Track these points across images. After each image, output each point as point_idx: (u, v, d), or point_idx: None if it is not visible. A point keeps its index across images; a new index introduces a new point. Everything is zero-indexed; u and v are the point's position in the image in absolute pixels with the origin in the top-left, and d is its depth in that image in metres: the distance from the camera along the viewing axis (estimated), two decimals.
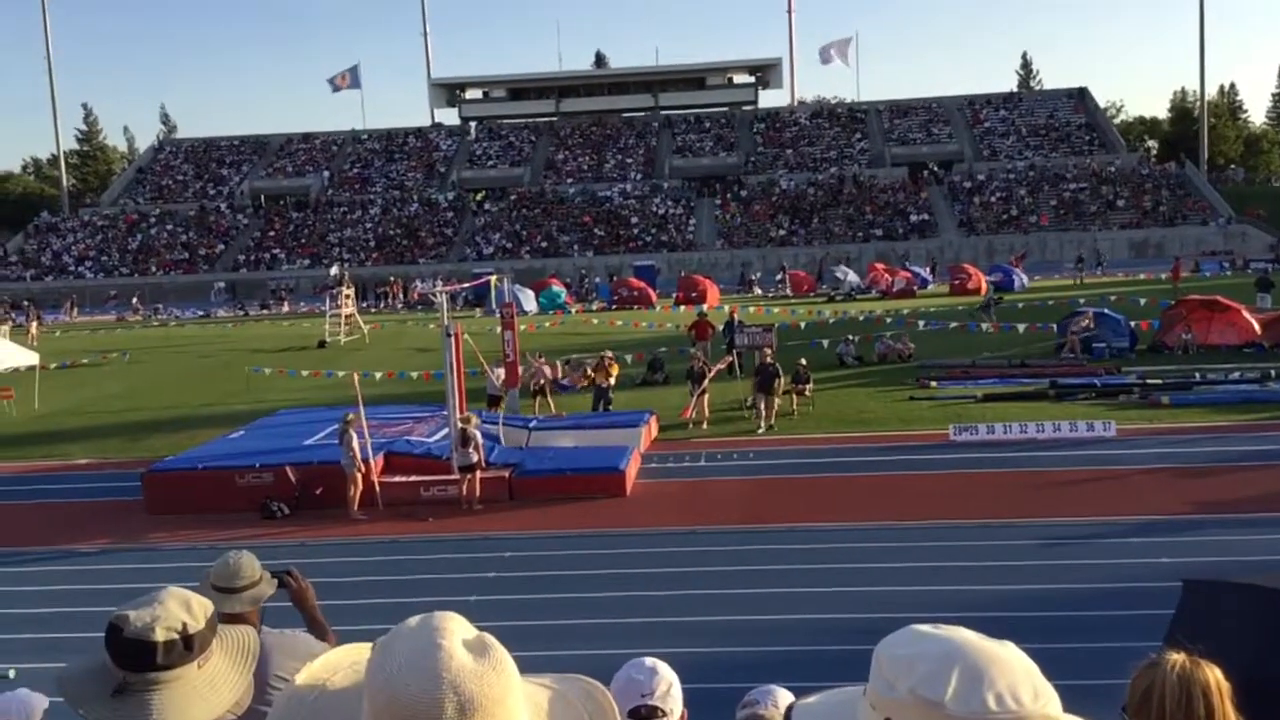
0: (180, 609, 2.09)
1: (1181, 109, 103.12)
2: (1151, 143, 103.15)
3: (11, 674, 7.02)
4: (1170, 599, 6.51)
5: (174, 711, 2.03)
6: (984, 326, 34.27)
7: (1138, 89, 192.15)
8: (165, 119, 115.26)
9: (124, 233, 78.76)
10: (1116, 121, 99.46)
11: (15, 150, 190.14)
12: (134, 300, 64.12)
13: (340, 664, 1.64)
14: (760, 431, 21.18)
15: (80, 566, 15.18)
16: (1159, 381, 23.92)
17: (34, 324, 48.57)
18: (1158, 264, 56.01)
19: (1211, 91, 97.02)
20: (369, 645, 1.58)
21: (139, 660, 2.03)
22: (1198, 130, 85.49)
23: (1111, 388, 23.71)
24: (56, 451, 23.10)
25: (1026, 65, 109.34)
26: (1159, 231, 68.10)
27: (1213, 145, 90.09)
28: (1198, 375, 24.68)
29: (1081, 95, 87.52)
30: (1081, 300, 37.77)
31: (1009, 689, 1.44)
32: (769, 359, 22.07)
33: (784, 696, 3.66)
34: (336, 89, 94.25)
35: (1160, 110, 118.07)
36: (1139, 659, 2.10)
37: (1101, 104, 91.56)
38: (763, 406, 21.50)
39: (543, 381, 24.50)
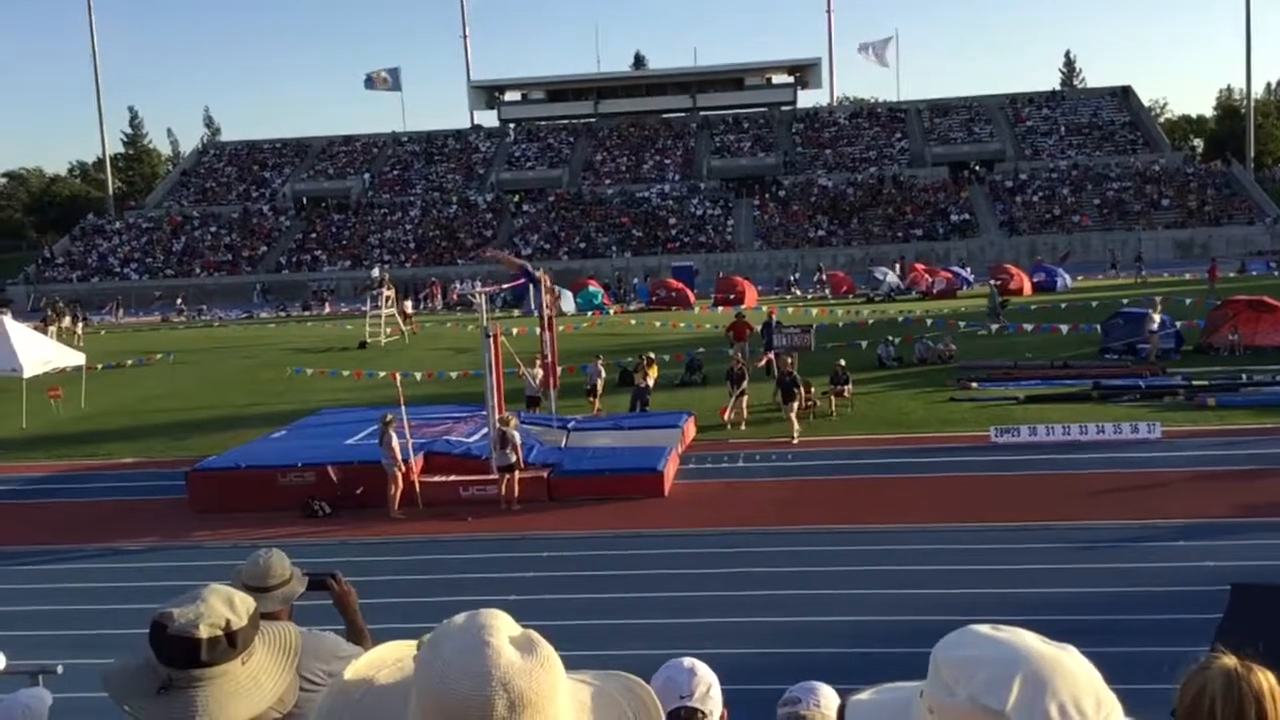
0: (223, 606, 2.10)
1: (1227, 107, 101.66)
2: (1197, 141, 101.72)
3: (59, 669, 7.10)
4: (1216, 603, 6.42)
5: (218, 708, 2.04)
6: (992, 328, 34.07)
7: (1183, 87, 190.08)
8: (209, 122, 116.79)
9: (168, 235, 79.69)
10: (1161, 120, 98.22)
11: (62, 154, 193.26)
12: (178, 301, 64.88)
13: (385, 661, 1.64)
14: (795, 441, 20.82)
15: (125, 564, 15.39)
16: (1205, 383, 23.58)
17: (79, 325, 49.29)
18: (1203, 264, 55.27)
19: (1258, 89, 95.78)
20: (413, 643, 1.58)
21: (183, 657, 2.04)
22: (1244, 128, 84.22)
23: (1156, 389, 23.40)
24: (102, 450, 23.41)
25: (1069, 63, 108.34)
26: (1204, 231, 67.12)
27: (1259, 144, 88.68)
28: (1244, 376, 24.31)
29: (1125, 94, 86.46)
30: (1125, 300, 37.32)
31: (1072, 699, 1.40)
32: (789, 368, 21.80)
33: (827, 694, 3.62)
34: (373, 85, 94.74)
35: (1206, 108, 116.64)
36: (1185, 663, 2.06)
37: (1146, 102, 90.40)
38: (791, 416, 21.21)
39: (598, 381, 24.50)
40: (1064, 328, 32.26)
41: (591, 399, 24.33)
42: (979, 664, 1.44)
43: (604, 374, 24.96)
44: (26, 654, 8.28)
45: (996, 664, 1.43)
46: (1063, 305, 39.89)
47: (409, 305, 49.99)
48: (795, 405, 21.09)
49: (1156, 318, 28.21)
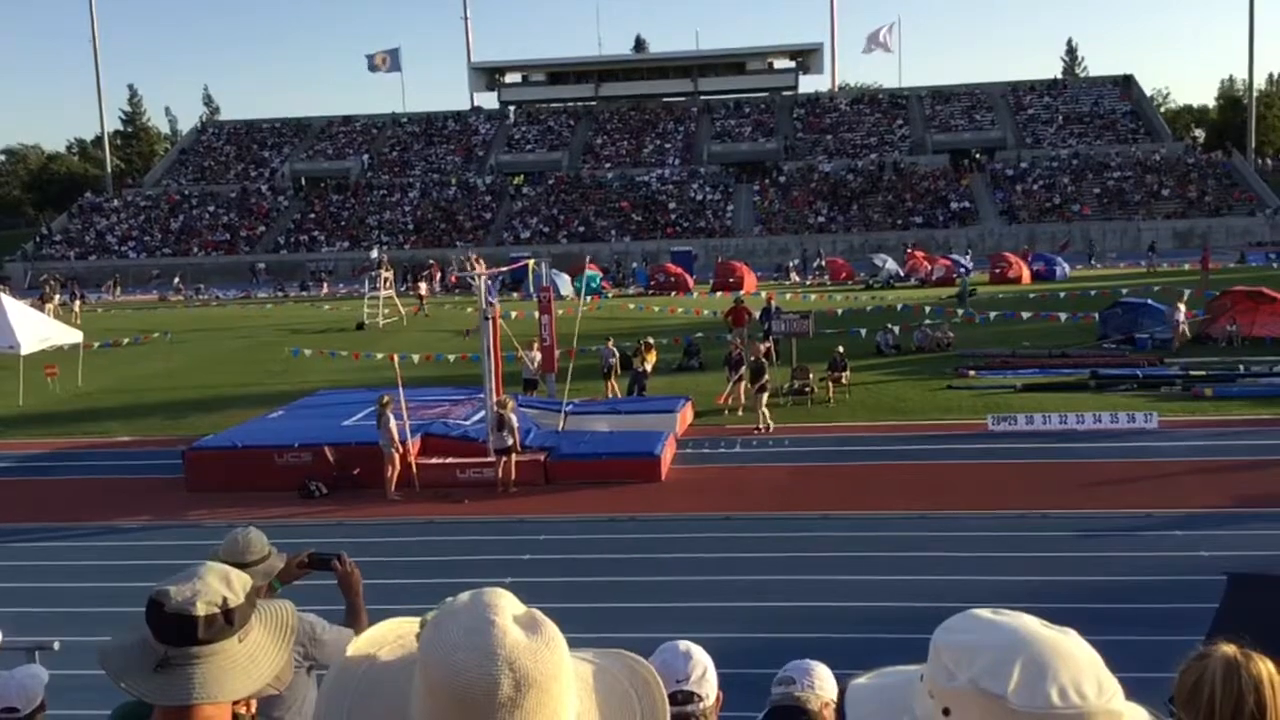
0: (220, 584, 2.11)
1: (1230, 97, 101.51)
2: (1198, 131, 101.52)
3: (56, 646, 7.12)
4: (1211, 593, 6.43)
5: (215, 685, 2.05)
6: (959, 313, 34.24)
7: (1185, 76, 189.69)
8: (208, 100, 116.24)
9: (166, 213, 79.51)
10: (1163, 110, 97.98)
11: (61, 131, 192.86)
12: (176, 280, 64.73)
13: (386, 638, 1.63)
14: (771, 429, 20.33)
15: (122, 542, 15.41)
16: (1202, 373, 23.60)
17: (77, 303, 49.22)
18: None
19: (1260, 80, 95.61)
20: (414, 620, 1.58)
21: (180, 635, 2.04)
22: (1246, 119, 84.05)
23: (1154, 379, 23.42)
24: (99, 429, 23.40)
25: (1072, 51, 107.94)
26: (1204, 221, 67.06)
27: (1261, 134, 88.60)
28: (1242, 367, 24.33)
29: (1127, 82, 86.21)
30: (1125, 290, 37.29)
31: (1073, 682, 1.40)
32: (759, 355, 21.44)
33: (822, 674, 3.61)
34: (374, 68, 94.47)
35: (1208, 98, 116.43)
36: (1180, 652, 2.06)
37: (1148, 91, 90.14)
38: (759, 401, 20.66)
39: (613, 361, 24.41)
40: (1063, 316, 32.28)
41: (609, 381, 24.16)
42: (980, 648, 1.43)
43: (617, 354, 24.80)
44: (24, 631, 8.30)
45: (997, 648, 1.42)
46: (1061, 294, 39.86)
47: (424, 287, 50.10)
48: (765, 393, 20.51)
49: (1182, 308, 28.28)
